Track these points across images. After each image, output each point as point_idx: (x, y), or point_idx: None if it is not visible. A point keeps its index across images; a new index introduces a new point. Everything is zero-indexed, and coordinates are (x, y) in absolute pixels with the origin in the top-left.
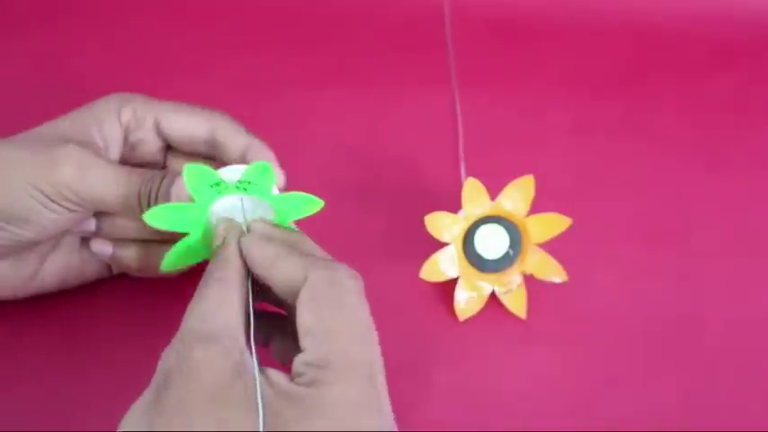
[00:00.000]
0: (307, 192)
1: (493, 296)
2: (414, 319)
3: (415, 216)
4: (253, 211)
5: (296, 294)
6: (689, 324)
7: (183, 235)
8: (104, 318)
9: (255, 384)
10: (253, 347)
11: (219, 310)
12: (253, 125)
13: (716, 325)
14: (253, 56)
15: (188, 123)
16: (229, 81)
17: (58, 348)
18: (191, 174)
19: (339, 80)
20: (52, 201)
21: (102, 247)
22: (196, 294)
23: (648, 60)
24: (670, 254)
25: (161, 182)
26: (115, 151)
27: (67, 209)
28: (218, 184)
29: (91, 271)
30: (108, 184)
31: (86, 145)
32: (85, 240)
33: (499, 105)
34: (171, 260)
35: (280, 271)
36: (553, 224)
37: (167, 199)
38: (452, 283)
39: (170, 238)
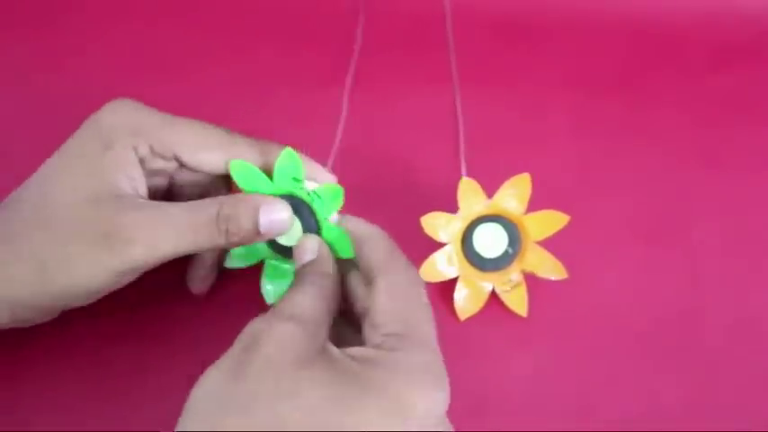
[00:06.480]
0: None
1: (493, 295)
2: None
3: (415, 216)
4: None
5: (369, 275)
6: (689, 323)
7: None
8: (104, 318)
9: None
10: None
11: (312, 304)
12: (253, 125)
13: (716, 323)
14: (253, 55)
15: (210, 160)
16: (229, 81)
17: (57, 348)
18: (286, 156)
19: (339, 80)
20: (125, 276)
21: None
22: (292, 288)
23: (648, 60)
24: (670, 252)
25: (233, 210)
26: (143, 186)
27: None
28: (296, 180)
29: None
30: (176, 243)
31: (124, 199)
32: None
33: (500, 105)
34: (237, 258)
35: (369, 249)
36: (551, 221)
37: (253, 233)
38: (452, 282)
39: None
